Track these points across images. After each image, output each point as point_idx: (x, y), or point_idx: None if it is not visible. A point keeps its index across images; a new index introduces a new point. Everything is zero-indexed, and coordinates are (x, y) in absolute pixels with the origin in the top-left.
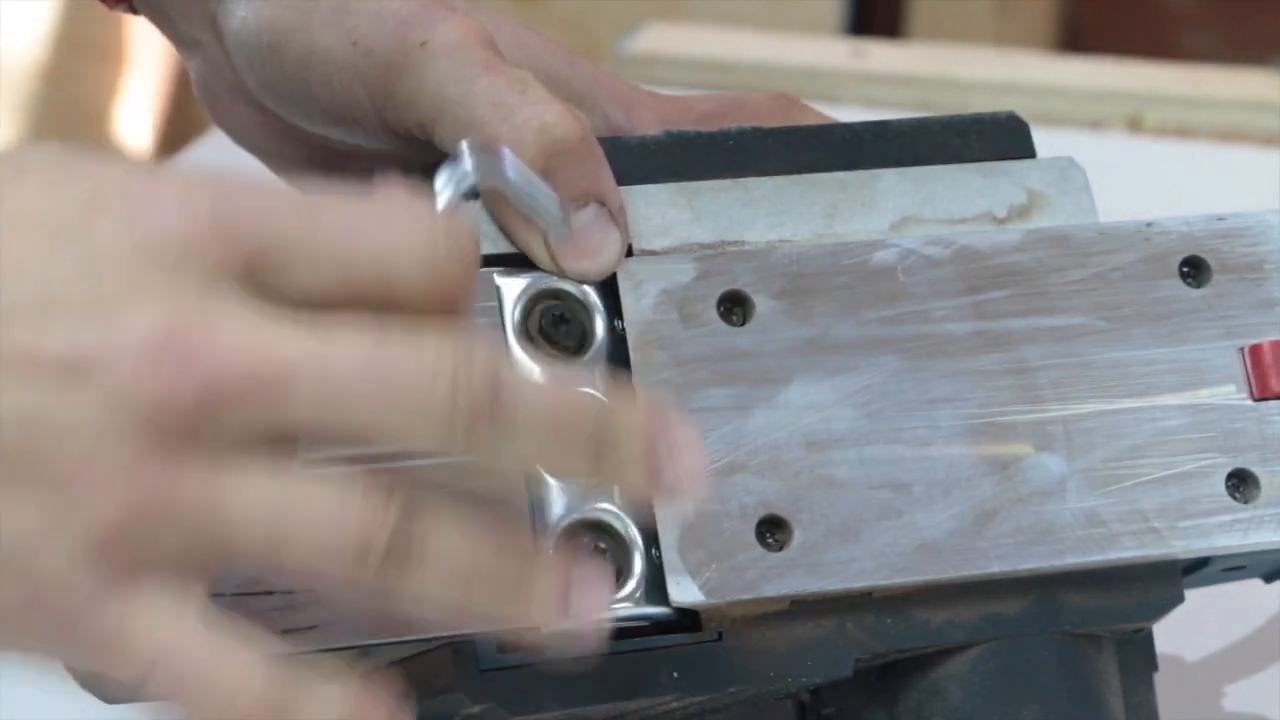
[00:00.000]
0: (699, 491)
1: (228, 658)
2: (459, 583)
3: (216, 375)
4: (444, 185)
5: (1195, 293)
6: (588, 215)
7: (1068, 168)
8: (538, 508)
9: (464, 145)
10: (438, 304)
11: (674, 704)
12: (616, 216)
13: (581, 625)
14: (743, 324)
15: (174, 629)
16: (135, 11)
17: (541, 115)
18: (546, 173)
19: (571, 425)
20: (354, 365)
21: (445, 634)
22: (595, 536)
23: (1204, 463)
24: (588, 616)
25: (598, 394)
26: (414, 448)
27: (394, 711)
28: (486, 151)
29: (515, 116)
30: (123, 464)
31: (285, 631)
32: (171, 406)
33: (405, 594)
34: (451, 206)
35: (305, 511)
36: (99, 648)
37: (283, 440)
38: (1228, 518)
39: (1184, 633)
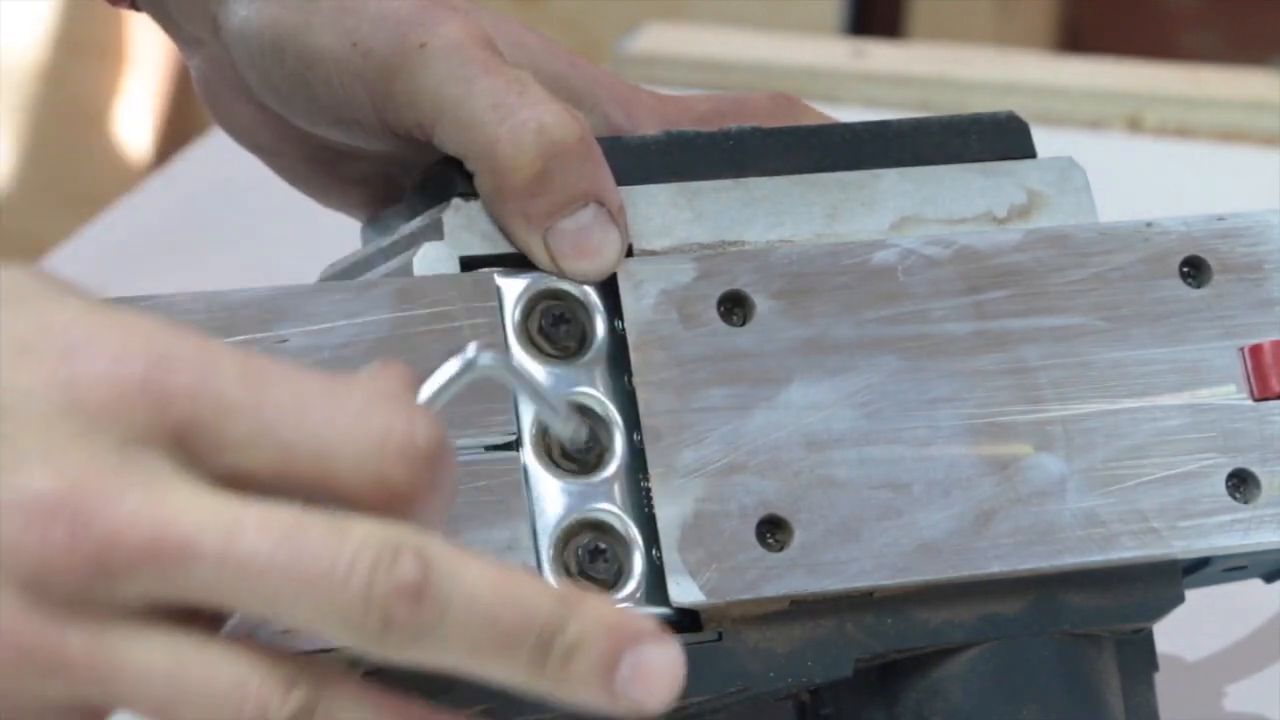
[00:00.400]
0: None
1: None
2: None
3: (110, 542)
4: (445, 373)
5: (1195, 293)
6: (587, 215)
7: (1068, 168)
8: (538, 507)
9: (472, 346)
10: (381, 504)
11: (674, 704)
12: (616, 216)
13: None
14: (743, 324)
15: None
16: (137, 8)
17: (540, 116)
18: (545, 173)
19: (514, 629)
20: (264, 545)
21: None
22: (595, 536)
23: (1204, 463)
24: None
25: (551, 587)
26: (323, 639)
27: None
28: (495, 349)
29: (514, 117)
30: (3, 616)
31: (285, 631)
32: (59, 568)
33: None
34: (436, 398)
35: (198, 688)
36: None
37: (196, 609)
38: (1228, 518)
39: (1184, 633)
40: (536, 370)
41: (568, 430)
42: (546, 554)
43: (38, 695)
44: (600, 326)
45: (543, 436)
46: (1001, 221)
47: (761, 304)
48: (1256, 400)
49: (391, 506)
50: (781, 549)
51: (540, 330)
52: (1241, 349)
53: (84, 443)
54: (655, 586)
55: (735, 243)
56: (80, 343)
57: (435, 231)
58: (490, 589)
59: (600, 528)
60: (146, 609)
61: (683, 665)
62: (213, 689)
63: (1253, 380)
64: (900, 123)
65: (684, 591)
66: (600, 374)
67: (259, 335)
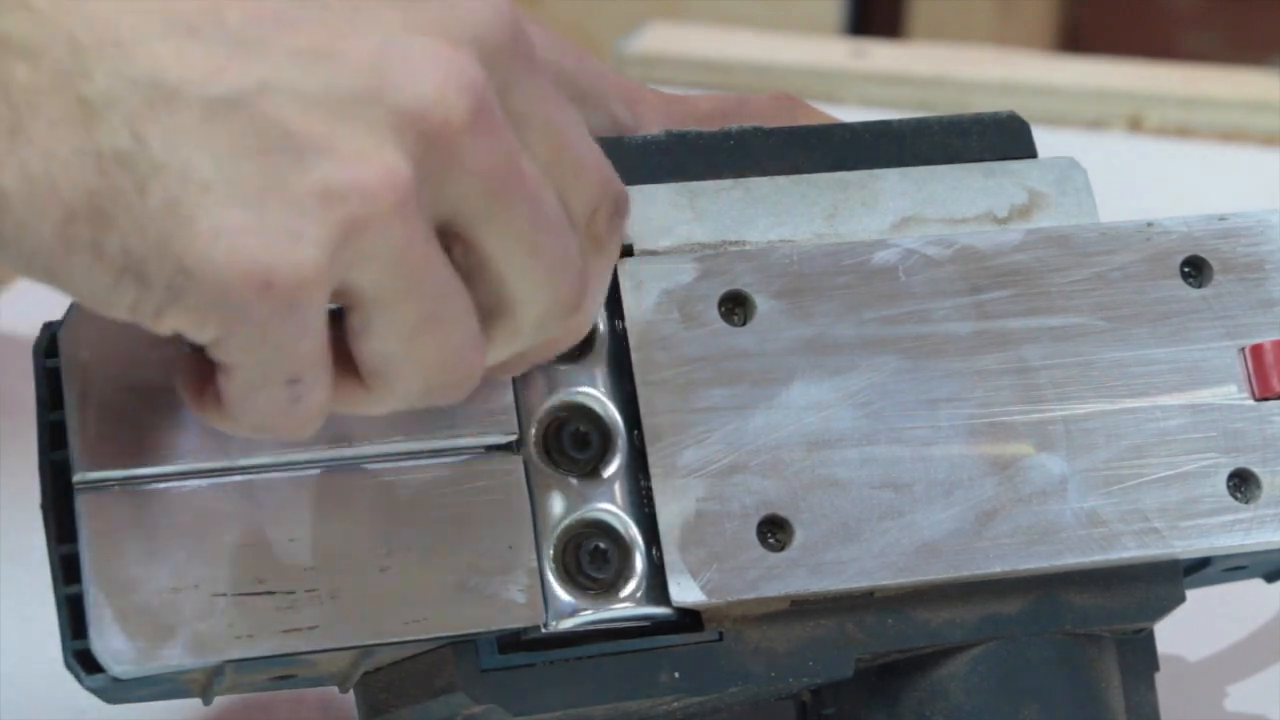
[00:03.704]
0: None
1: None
2: None
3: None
4: None
5: (1196, 293)
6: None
7: (1068, 168)
8: (539, 507)
9: None
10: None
11: (675, 704)
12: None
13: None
14: (744, 324)
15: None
16: None
17: None
18: None
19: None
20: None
21: (446, 634)
22: (596, 536)
23: (1205, 463)
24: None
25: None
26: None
27: None
28: None
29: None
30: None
31: (286, 631)
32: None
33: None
34: None
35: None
36: None
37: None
38: (1229, 518)
39: (1185, 633)
40: (538, 370)
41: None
42: (547, 554)
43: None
44: (602, 326)
45: (544, 437)
46: (1002, 221)
47: (762, 304)
48: (1257, 400)
49: None
50: (782, 549)
51: None
52: (1242, 349)
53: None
54: (656, 586)
55: (736, 242)
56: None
57: None
58: None
59: (601, 528)
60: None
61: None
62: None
63: (1253, 380)
64: (901, 123)
65: (685, 591)
66: (601, 373)
67: None
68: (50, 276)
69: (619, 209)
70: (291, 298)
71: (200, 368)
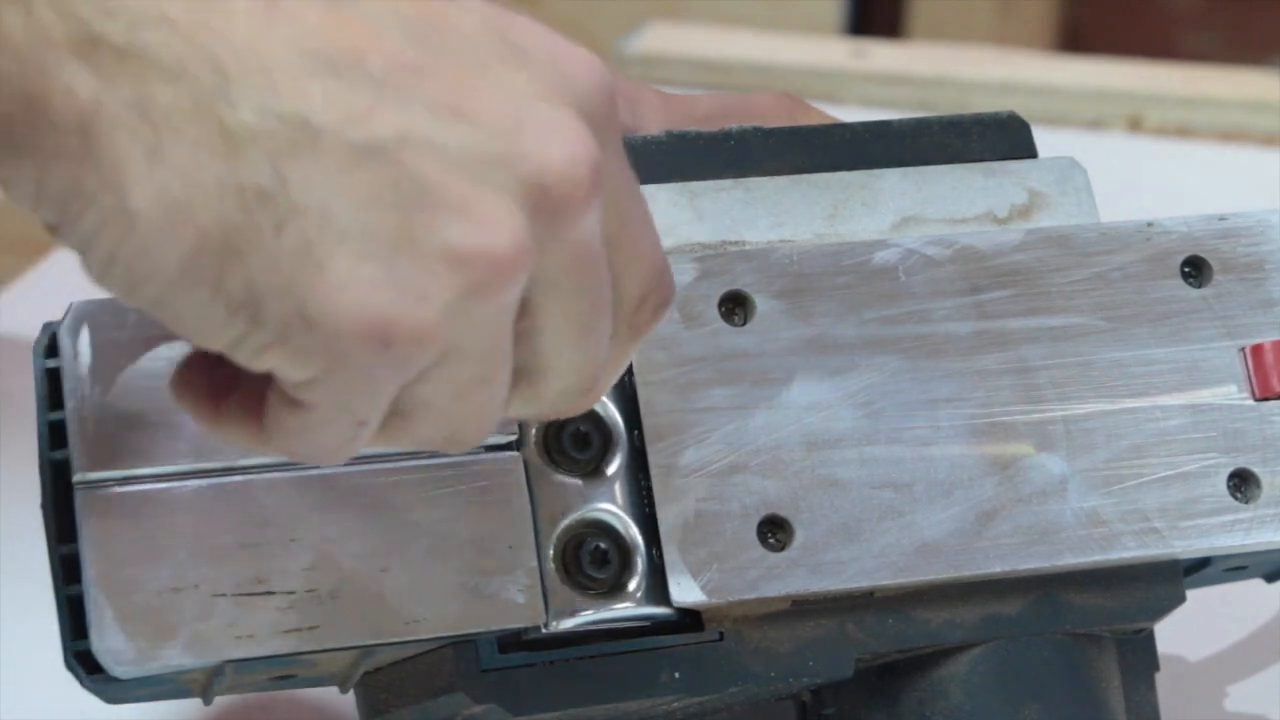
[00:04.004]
0: None
1: None
2: None
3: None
4: None
5: (1196, 293)
6: None
7: (1069, 168)
8: (539, 507)
9: None
10: None
11: (675, 704)
12: None
13: None
14: (744, 324)
15: None
16: None
17: None
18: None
19: None
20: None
21: (446, 634)
22: (597, 536)
23: (1205, 463)
24: None
25: None
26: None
27: None
28: None
29: None
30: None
31: (286, 631)
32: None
33: None
34: None
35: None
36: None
37: None
38: (1229, 518)
39: (1186, 633)
40: None
41: None
42: (548, 553)
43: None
44: None
45: (544, 437)
46: (1002, 221)
47: (762, 304)
48: (1257, 400)
49: None
50: (782, 549)
51: None
52: (1242, 349)
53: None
54: (656, 586)
55: (736, 242)
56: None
57: None
58: None
59: (601, 527)
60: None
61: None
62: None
63: (1253, 380)
64: (901, 122)
65: (685, 591)
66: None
67: None
68: (157, 305)
69: (665, 302)
70: (406, 355)
71: (223, 379)
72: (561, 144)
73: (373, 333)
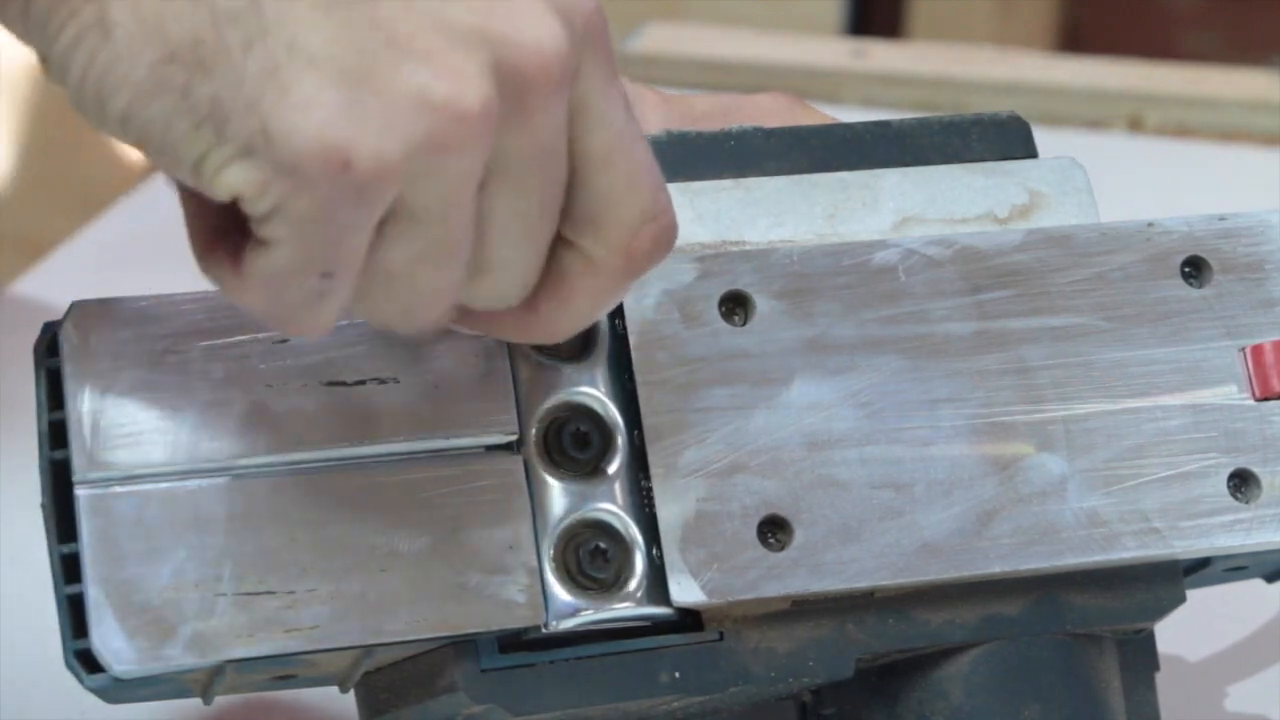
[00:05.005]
0: None
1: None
2: None
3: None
4: None
5: (1196, 293)
6: None
7: (1069, 168)
8: (539, 507)
9: None
10: None
11: (675, 704)
12: None
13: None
14: (744, 324)
15: None
16: None
17: None
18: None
19: None
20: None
21: (446, 635)
22: (597, 536)
23: (1205, 463)
24: None
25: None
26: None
27: None
28: None
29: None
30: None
31: (287, 631)
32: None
33: None
34: None
35: None
36: None
37: None
38: (1229, 518)
39: (1186, 633)
40: (540, 371)
41: None
42: (548, 554)
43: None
44: (603, 326)
45: (544, 437)
46: (1003, 221)
47: (763, 304)
48: (1257, 400)
49: None
50: (783, 549)
51: None
52: (1242, 349)
53: None
54: (656, 586)
55: (736, 242)
56: None
57: None
58: None
59: (601, 528)
60: None
61: None
62: None
63: (1254, 380)
64: (901, 123)
65: (685, 591)
66: (602, 373)
67: (260, 335)
68: (125, 117)
69: (663, 235)
70: (363, 184)
71: (216, 222)
72: (535, 28)
73: (332, 154)
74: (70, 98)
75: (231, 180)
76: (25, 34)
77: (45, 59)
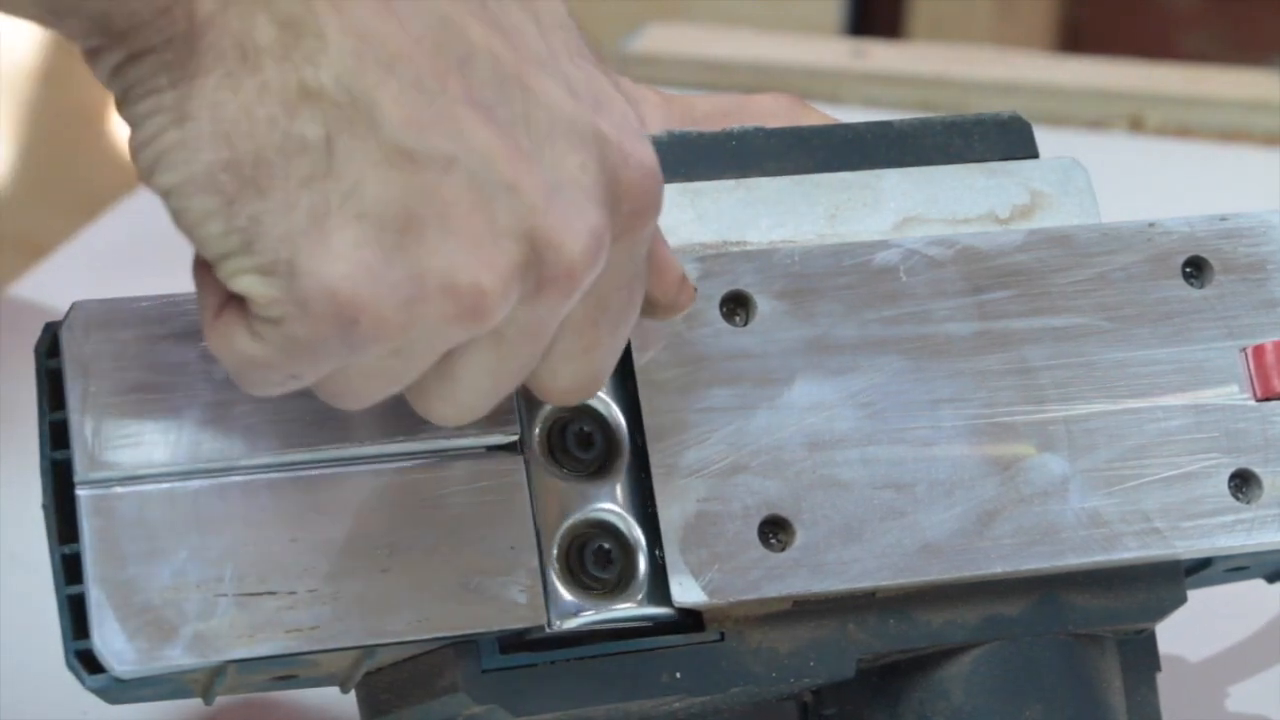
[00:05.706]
0: None
1: None
2: None
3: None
4: None
5: (1197, 293)
6: None
7: (1070, 168)
8: (541, 507)
9: None
10: None
11: (676, 704)
12: None
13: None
14: (745, 324)
15: None
16: None
17: None
18: None
19: None
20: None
21: (447, 635)
22: (599, 537)
23: (1206, 463)
24: None
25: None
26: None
27: None
28: None
29: None
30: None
31: (288, 631)
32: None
33: None
34: None
35: None
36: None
37: None
38: (1230, 518)
39: (1187, 633)
40: None
41: None
42: (551, 554)
43: None
44: None
45: (548, 437)
46: (1004, 222)
47: (764, 304)
48: (1259, 400)
49: None
50: (784, 549)
51: None
52: (1244, 349)
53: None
54: (658, 586)
55: (738, 243)
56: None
57: None
58: None
59: (603, 528)
60: None
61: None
62: None
63: (1255, 380)
64: (903, 123)
65: (686, 591)
66: None
67: None
68: (168, 193)
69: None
70: (363, 339)
71: (222, 290)
72: (577, 238)
73: (346, 309)
74: (128, 143)
75: (244, 285)
76: (108, 80)
77: (119, 105)
